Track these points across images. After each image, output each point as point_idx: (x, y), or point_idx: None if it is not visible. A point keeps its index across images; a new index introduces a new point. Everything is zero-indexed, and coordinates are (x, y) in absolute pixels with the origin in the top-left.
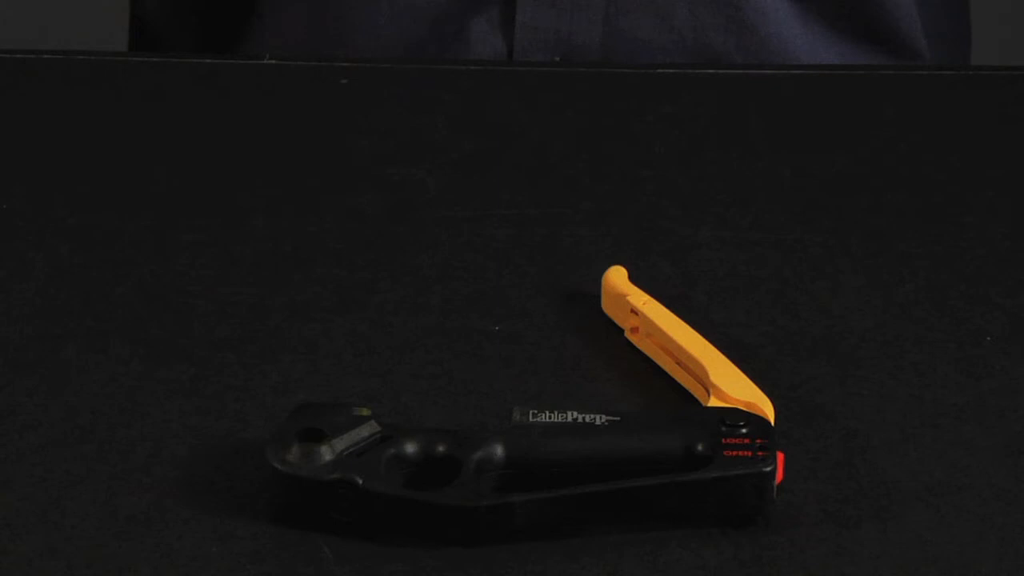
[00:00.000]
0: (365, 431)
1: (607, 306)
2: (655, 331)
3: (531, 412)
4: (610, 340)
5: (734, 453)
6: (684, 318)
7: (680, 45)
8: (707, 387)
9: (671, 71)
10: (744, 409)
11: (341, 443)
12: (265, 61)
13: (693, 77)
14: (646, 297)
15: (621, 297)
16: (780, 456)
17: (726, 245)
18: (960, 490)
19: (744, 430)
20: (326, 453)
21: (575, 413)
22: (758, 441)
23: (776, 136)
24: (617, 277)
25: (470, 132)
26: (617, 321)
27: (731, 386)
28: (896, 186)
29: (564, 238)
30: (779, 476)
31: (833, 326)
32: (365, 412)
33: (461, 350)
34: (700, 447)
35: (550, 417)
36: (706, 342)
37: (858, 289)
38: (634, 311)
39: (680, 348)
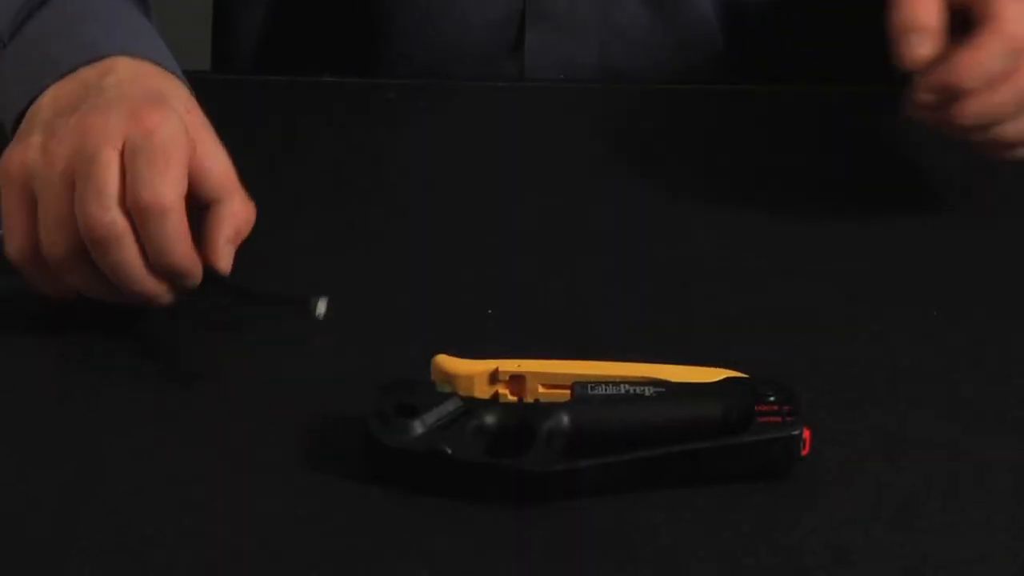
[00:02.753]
0: (450, 406)
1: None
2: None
3: (590, 384)
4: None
5: (766, 419)
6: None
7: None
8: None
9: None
10: (771, 380)
11: (430, 417)
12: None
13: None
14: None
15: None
16: (807, 432)
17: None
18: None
19: (773, 398)
20: (418, 427)
21: (627, 386)
22: (786, 408)
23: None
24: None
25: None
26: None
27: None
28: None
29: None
30: (806, 449)
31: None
32: (448, 389)
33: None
34: (736, 414)
35: (606, 389)
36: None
37: (820, 273)
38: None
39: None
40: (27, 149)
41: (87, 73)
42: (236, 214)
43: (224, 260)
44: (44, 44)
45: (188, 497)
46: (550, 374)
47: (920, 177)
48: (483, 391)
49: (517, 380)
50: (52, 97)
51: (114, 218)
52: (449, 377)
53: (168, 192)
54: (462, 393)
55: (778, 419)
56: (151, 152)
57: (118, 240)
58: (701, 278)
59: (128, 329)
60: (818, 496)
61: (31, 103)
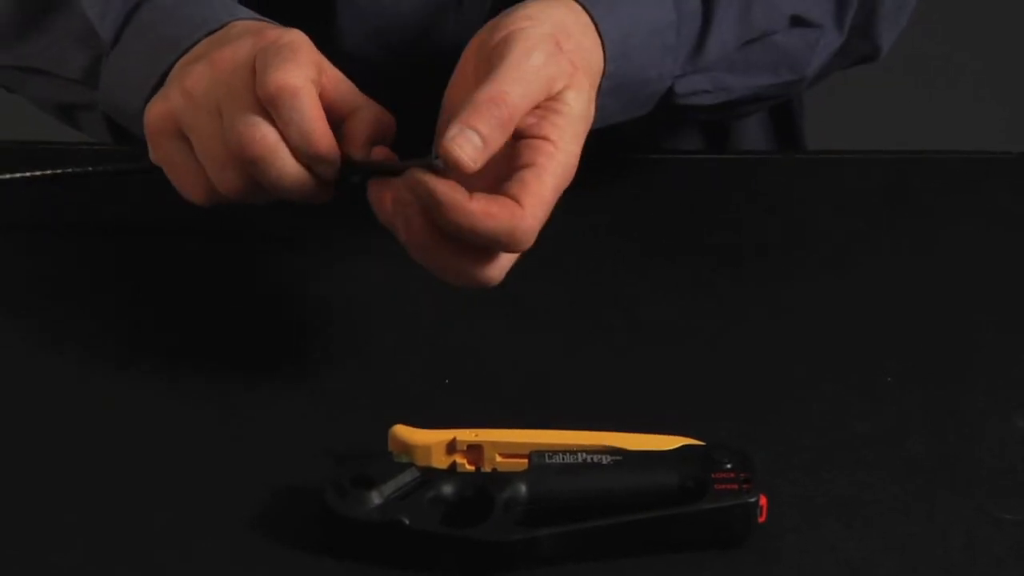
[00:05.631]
0: (407, 476)
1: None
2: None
3: (547, 453)
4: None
5: (723, 487)
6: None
7: None
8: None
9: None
10: (728, 446)
11: (388, 488)
12: None
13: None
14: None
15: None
16: (763, 499)
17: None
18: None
19: (729, 465)
20: (375, 498)
21: (585, 454)
22: (742, 475)
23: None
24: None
25: None
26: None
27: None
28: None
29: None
30: (763, 516)
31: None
32: (405, 459)
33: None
34: (692, 482)
35: (563, 458)
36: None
37: (775, 339)
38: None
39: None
40: (167, 98)
41: (207, 40)
42: (379, 117)
43: (364, 155)
44: (157, 31)
45: (140, 563)
46: (507, 443)
47: (872, 241)
48: (440, 461)
49: (474, 450)
50: (182, 62)
51: (264, 132)
52: (406, 447)
53: (297, 73)
54: (419, 463)
55: (734, 486)
56: (277, 48)
57: (272, 154)
58: (656, 345)
59: (87, 400)
60: (775, 562)
61: (163, 78)
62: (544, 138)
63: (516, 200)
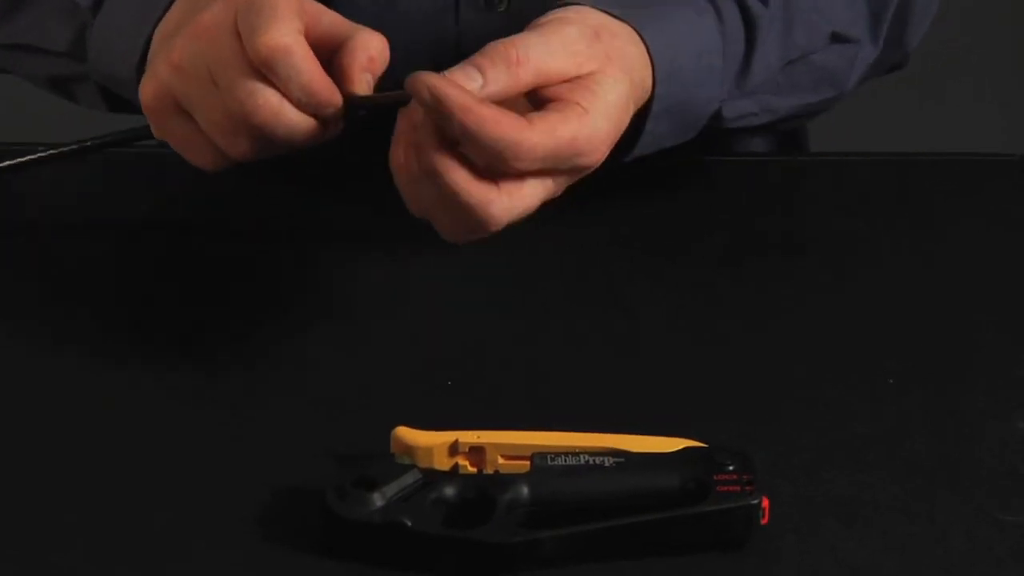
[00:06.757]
0: (409, 478)
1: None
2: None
3: (549, 455)
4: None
5: (725, 488)
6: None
7: None
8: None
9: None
10: (730, 448)
11: (390, 490)
12: None
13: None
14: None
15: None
16: (765, 501)
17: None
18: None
19: (731, 467)
20: (377, 499)
21: (587, 456)
22: (745, 477)
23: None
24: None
25: None
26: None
27: (644, 445)
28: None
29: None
30: (765, 518)
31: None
32: (407, 461)
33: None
34: (694, 484)
35: (565, 460)
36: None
37: (776, 340)
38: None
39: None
40: (157, 75)
41: (177, 4)
42: (367, 43)
43: (362, 87)
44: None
45: (140, 563)
46: (509, 445)
47: (872, 243)
48: (443, 463)
49: (477, 451)
50: (160, 31)
51: (266, 97)
52: (409, 449)
53: (285, 30)
54: (422, 465)
55: (736, 488)
56: (258, 8)
57: (277, 115)
58: (656, 345)
59: (87, 400)
60: (775, 562)
61: (147, 47)
62: (576, 103)
63: (529, 121)
